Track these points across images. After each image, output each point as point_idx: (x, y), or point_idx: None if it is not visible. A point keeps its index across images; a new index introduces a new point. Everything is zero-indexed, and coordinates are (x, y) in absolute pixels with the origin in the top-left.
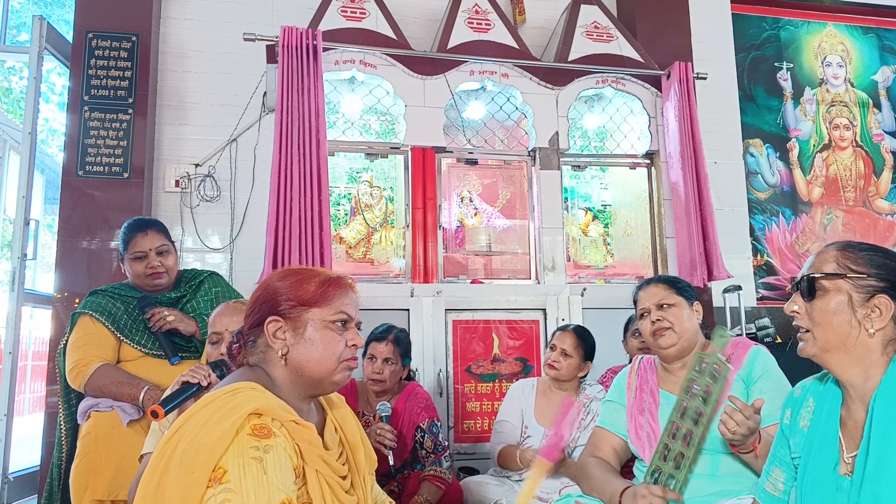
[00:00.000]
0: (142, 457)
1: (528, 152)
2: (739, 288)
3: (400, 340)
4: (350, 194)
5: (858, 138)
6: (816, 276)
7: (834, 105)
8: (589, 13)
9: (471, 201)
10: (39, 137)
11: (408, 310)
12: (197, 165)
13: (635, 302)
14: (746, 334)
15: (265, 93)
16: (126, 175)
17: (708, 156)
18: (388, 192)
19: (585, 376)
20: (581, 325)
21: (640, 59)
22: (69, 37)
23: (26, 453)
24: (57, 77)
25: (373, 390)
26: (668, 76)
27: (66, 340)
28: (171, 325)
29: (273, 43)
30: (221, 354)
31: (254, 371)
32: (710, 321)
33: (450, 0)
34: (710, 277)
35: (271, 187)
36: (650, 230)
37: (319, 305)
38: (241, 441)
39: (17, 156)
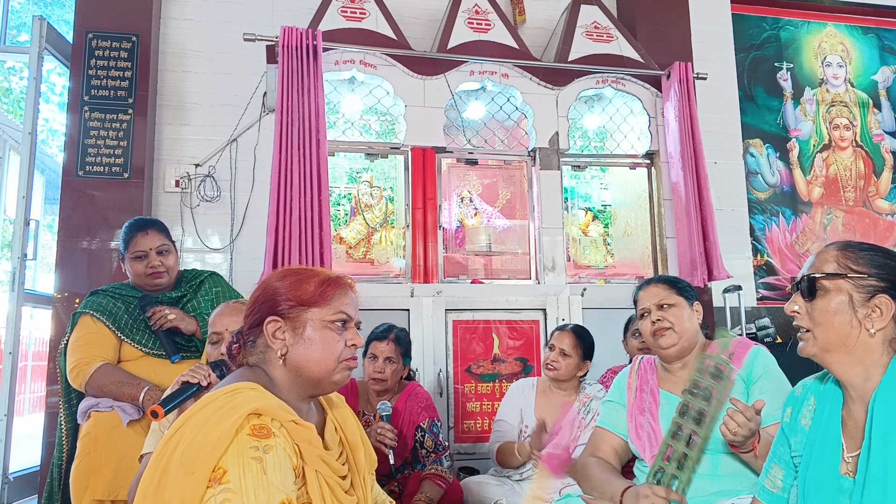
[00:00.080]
0: (142, 457)
1: (528, 152)
2: (739, 288)
3: (401, 339)
4: (350, 194)
5: (858, 138)
6: (817, 276)
7: (834, 105)
8: (589, 13)
9: (471, 201)
10: (39, 137)
11: (408, 310)
12: (197, 165)
13: (635, 302)
14: (746, 334)
15: (265, 93)
16: (126, 175)
17: (708, 156)
18: (388, 193)
19: (585, 376)
20: (579, 324)
21: (640, 59)
22: (69, 37)
23: (26, 453)
24: (57, 77)
25: (374, 389)
26: (668, 76)
27: (67, 340)
28: (172, 323)
29: (273, 43)
30: (221, 354)
31: (253, 371)
32: (710, 321)
33: (450, 0)
34: (710, 277)
35: (271, 187)
36: (650, 230)
37: (319, 305)
38: (241, 441)
39: (17, 156)
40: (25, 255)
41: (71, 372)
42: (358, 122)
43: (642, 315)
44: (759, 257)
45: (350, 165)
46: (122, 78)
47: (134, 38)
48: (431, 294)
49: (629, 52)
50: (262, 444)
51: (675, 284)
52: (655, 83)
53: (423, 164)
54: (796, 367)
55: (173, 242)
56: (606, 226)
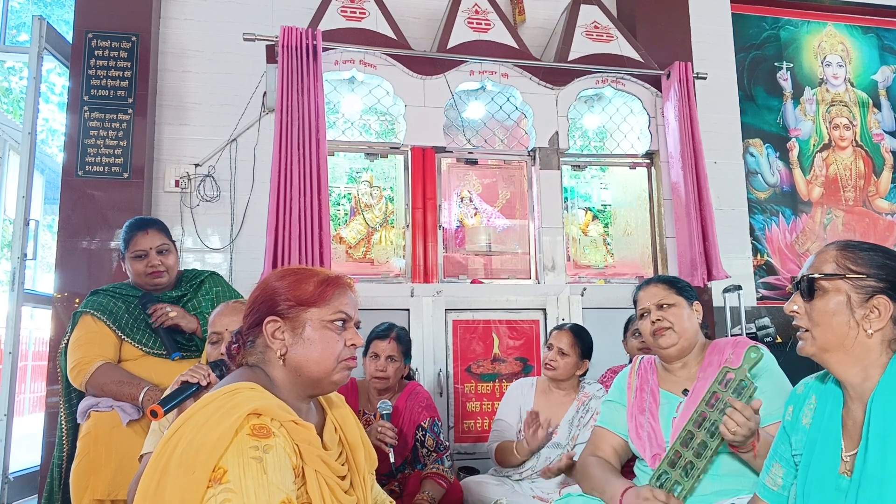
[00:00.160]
0: (141, 457)
1: (528, 152)
2: (739, 288)
3: (402, 338)
4: (350, 194)
5: (858, 138)
6: (815, 276)
7: (834, 105)
8: (589, 13)
9: (471, 201)
10: (39, 137)
11: (408, 310)
12: (197, 165)
13: (635, 302)
14: (746, 334)
15: (265, 93)
16: (126, 175)
17: (708, 156)
18: (388, 192)
19: (584, 375)
20: (578, 323)
21: (640, 59)
22: (69, 37)
23: (26, 453)
24: (57, 77)
25: (376, 388)
26: (668, 76)
27: (68, 340)
28: (173, 321)
29: (273, 43)
30: (221, 354)
31: (253, 371)
32: (710, 321)
33: (450, 0)
34: (710, 277)
35: (271, 187)
36: (650, 230)
37: (318, 305)
38: (241, 441)
39: (17, 156)
40: (25, 255)
41: (71, 371)
42: (358, 122)
43: (642, 315)
44: (759, 257)
45: (350, 165)
46: (122, 78)
47: (134, 38)
48: (431, 294)
49: (629, 51)
50: (262, 444)
51: (674, 284)
52: (655, 83)
53: (423, 163)
54: (796, 366)
55: (173, 242)
56: (606, 226)
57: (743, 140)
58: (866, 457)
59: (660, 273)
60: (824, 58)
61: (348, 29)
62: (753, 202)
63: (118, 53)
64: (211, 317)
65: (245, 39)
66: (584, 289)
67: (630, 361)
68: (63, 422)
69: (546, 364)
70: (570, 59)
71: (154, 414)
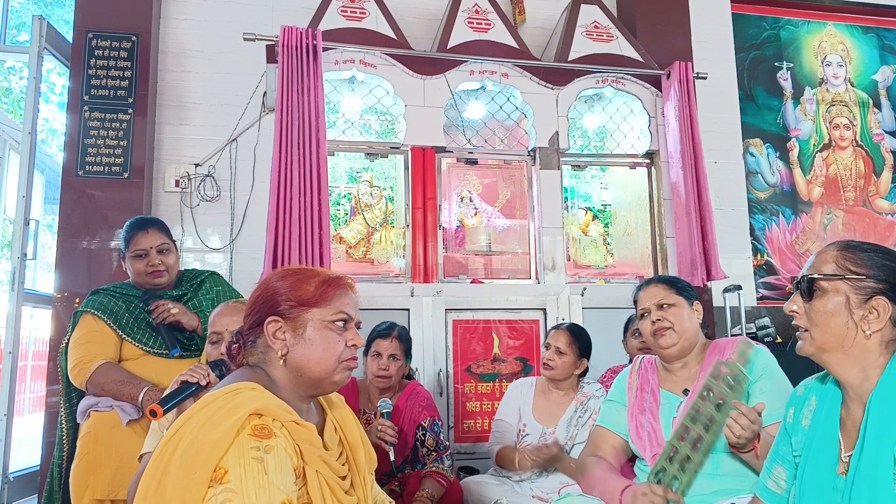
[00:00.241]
0: (141, 456)
1: (528, 152)
2: (739, 288)
3: (403, 337)
4: (350, 194)
5: (858, 138)
6: (815, 276)
7: (834, 105)
8: (589, 13)
9: (471, 201)
10: (39, 137)
11: (408, 310)
12: (197, 165)
13: (635, 302)
14: (746, 334)
15: (265, 93)
16: (126, 175)
17: (708, 156)
18: (388, 192)
19: (583, 374)
20: (575, 322)
21: (640, 59)
22: (69, 37)
23: (26, 453)
24: (57, 77)
25: (378, 387)
26: (668, 76)
27: (68, 339)
28: (174, 317)
29: (273, 43)
30: (221, 354)
31: (254, 371)
32: (710, 321)
33: (450, 0)
34: (709, 277)
35: (271, 187)
36: (650, 230)
37: (319, 306)
38: (242, 441)
39: (17, 156)
40: (25, 255)
41: (72, 370)
42: (358, 122)
43: (642, 315)
44: (759, 257)
45: (350, 165)
46: (122, 78)
47: (134, 38)
48: (431, 294)
49: (629, 51)
50: (263, 445)
51: (674, 284)
52: (655, 83)
53: (423, 163)
54: (796, 366)
55: (174, 242)
56: (606, 225)
57: (743, 140)
58: (861, 456)
59: (660, 273)
60: (824, 58)
61: (348, 29)
62: (753, 202)
63: (118, 53)
64: (211, 317)
65: (245, 39)
66: (584, 289)
67: (630, 361)
68: (63, 421)
69: (544, 363)
70: (570, 58)
71: (153, 413)
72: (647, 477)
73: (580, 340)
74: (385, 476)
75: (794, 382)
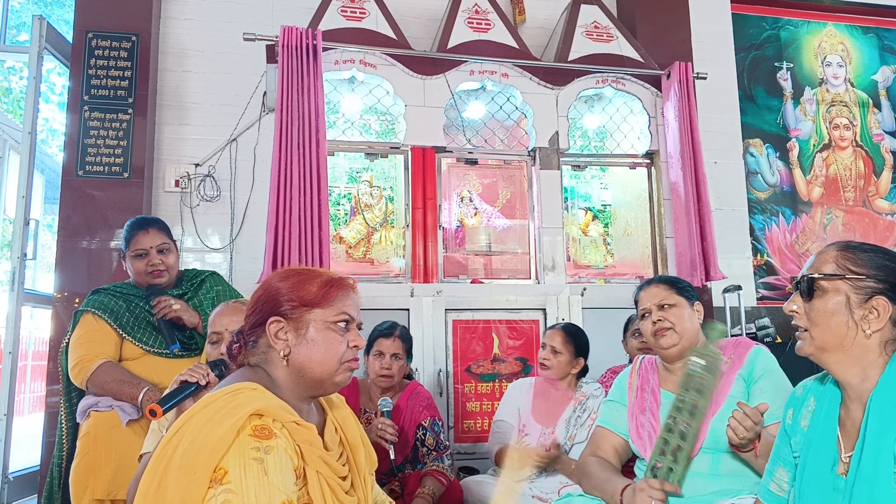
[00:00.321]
0: (141, 456)
1: (528, 152)
2: (739, 288)
3: (405, 336)
4: (350, 194)
5: (858, 138)
6: (815, 276)
7: (834, 105)
8: (589, 13)
9: (471, 201)
10: (39, 137)
11: (408, 310)
12: (197, 165)
13: (636, 302)
14: (746, 334)
15: (265, 93)
16: (126, 175)
17: (708, 156)
18: (388, 192)
19: (581, 373)
20: (571, 322)
21: (640, 59)
22: (69, 37)
23: (26, 453)
24: (57, 77)
25: (380, 386)
26: (668, 76)
27: (69, 339)
28: (175, 313)
29: (273, 43)
30: (221, 354)
31: (255, 371)
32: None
33: (450, 0)
34: (708, 278)
35: (271, 187)
36: (650, 230)
37: (321, 306)
38: (242, 442)
39: (17, 156)
40: (25, 255)
41: (73, 369)
42: (358, 122)
43: (643, 315)
44: (758, 257)
45: (350, 165)
46: (122, 78)
47: (134, 38)
48: (431, 294)
49: (629, 51)
50: (263, 445)
51: (675, 284)
52: (655, 83)
53: (423, 163)
54: (796, 367)
55: (174, 242)
56: (606, 226)
57: (743, 140)
58: (861, 456)
59: (660, 273)
60: (824, 58)
61: (348, 29)
62: (753, 202)
63: (118, 53)
64: (211, 317)
65: (245, 39)
66: (584, 289)
67: (630, 362)
68: (63, 421)
69: (540, 363)
70: (570, 59)
71: (153, 413)
72: (643, 474)
73: (576, 339)
74: (385, 476)
75: (794, 382)
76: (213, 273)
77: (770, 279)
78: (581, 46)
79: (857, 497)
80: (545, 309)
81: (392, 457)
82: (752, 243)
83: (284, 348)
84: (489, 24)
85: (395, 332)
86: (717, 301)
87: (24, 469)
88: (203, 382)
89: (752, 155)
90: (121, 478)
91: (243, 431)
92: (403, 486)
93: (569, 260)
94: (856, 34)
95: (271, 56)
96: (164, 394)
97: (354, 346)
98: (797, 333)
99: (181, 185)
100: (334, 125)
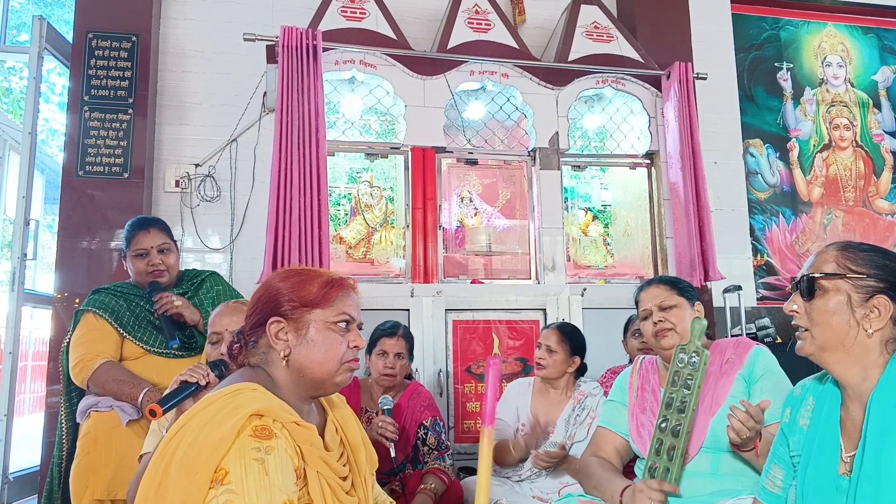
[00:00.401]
0: (141, 457)
1: (528, 152)
2: (739, 288)
3: (407, 336)
4: (350, 194)
5: (858, 138)
6: (816, 275)
7: (834, 105)
8: (589, 13)
9: (471, 201)
10: (39, 137)
11: (408, 310)
12: (197, 165)
13: (637, 303)
14: (746, 334)
15: (265, 93)
16: (126, 175)
17: (708, 156)
18: (388, 193)
19: (582, 374)
20: (567, 322)
21: (640, 60)
22: (69, 37)
23: (26, 453)
24: (57, 77)
25: (382, 385)
26: (668, 76)
27: (69, 338)
28: (177, 309)
29: (273, 43)
30: (221, 354)
31: (255, 372)
32: (711, 321)
33: (450, 0)
34: (706, 278)
35: (271, 187)
36: (650, 230)
37: (322, 307)
38: (243, 442)
39: (17, 156)
40: (25, 255)
41: (74, 368)
42: (358, 122)
43: (644, 316)
44: (759, 257)
45: (350, 165)
46: (122, 78)
47: (134, 38)
48: (431, 294)
49: (629, 52)
50: (263, 445)
51: (675, 285)
52: (655, 83)
53: (423, 164)
54: (796, 367)
55: (175, 241)
56: (606, 226)
57: (743, 140)
58: (864, 456)
59: (660, 273)
60: (824, 58)
61: (348, 29)
62: (753, 202)
63: (118, 53)
64: (211, 317)
65: (245, 39)
66: (584, 289)
67: (630, 362)
68: (63, 421)
69: (536, 362)
70: (570, 59)
71: (153, 413)
72: (641, 475)
73: (571, 338)
74: (386, 475)
75: (794, 382)
76: (214, 273)
77: (770, 279)
78: (581, 47)
79: (861, 497)
80: (545, 309)
81: (392, 454)
82: (752, 243)
83: (285, 349)
84: (489, 25)
85: (399, 332)
86: (717, 301)
87: (24, 469)
88: (203, 383)
89: (752, 155)
90: (121, 478)
91: (243, 432)
92: (404, 486)
93: (569, 260)
94: (856, 34)
95: (271, 56)
96: (164, 394)
97: (355, 347)
98: (797, 333)
99: (181, 186)
100: (334, 125)
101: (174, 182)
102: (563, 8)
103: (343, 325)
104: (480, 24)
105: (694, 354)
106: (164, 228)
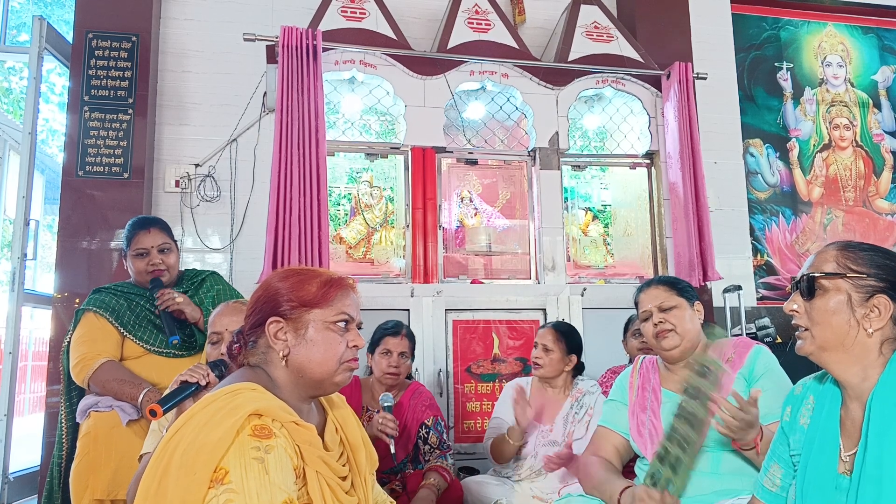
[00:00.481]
0: (141, 457)
1: (528, 152)
2: (739, 288)
3: (410, 335)
4: (350, 194)
5: (858, 138)
6: (816, 275)
7: (834, 105)
8: (589, 13)
9: (471, 201)
10: (39, 137)
11: (408, 310)
12: (197, 165)
13: (636, 304)
14: (746, 334)
15: (265, 93)
16: (126, 175)
17: (708, 156)
18: (388, 193)
19: (580, 373)
20: (563, 321)
21: (640, 60)
22: (69, 37)
23: (26, 453)
24: (57, 77)
25: (386, 384)
26: (668, 76)
27: (70, 338)
28: (178, 306)
29: (273, 43)
30: (221, 354)
31: (254, 371)
32: (710, 321)
33: (450, 0)
34: (705, 278)
35: (271, 187)
36: (650, 230)
37: (321, 306)
38: (242, 442)
39: (17, 156)
40: (25, 255)
41: (74, 367)
42: (358, 122)
43: (644, 318)
44: (759, 257)
45: (350, 165)
46: (122, 78)
47: (134, 38)
48: (431, 294)
49: (629, 52)
50: (263, 445)
51: (675, 285)
52: (655, 83)
53: (423, 163)
54: (796, 366)
55: (175, 241)
56: (606, 226)
57: (743, 140)
58: (865, 456)
59: (660, 273)
60: (824, 58)
61: (348, 29)
62: (753, 202)
63: (118, 53)
64: (211, 317)
65: (245, 39)
66: (584, 289)
67: (630, 362)
68: (63, 421)
69: (533, 362)
70: (570, 59)
71: (153, 413)
72: (643, 478)
73: (567, 337)
74: (386, 474)
75: (795, 382)
76: (214, 273)
77: (770, 279)
78: (581, 46)
79: (861, 496)
80: (545, 309)
81: (392, 451)
82: (752, 243)
83: (284, 348)
84: (489, 25)
85: (402, 331)
86: (717, 301)
87: (24, 469)
88: (203, 383)
89: (752, 155)
90: (121, 478)
91: (243, 431)
92: (405, 485)
93: (569, 260)
94: (856, 34)
95: (271, 56)
96: (164, 394)
97: (354, 346)
98: (797, 333)
99: (181, 186)
100: (334, 125)
101: (174, 182)
102: (563, 8)
103: (342, 324)
104: (480, 24)
105: (708, 367)
106: (165, 228)
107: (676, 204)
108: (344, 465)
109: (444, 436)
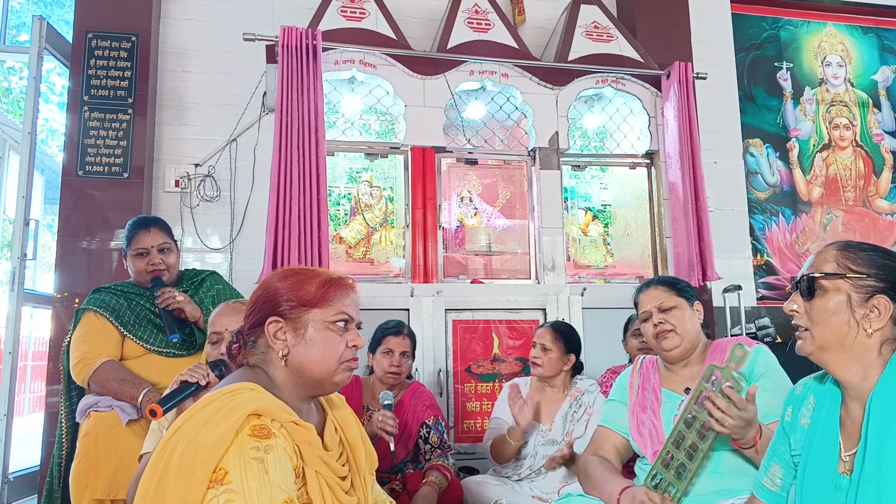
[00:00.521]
0: (141, 456)
1: (528, 152)
2: (739, 288)
3: (411, 335)
4: (350, 194)
5: (858, 138)
6: (816, 275)
7: (834, 105)
8: (589, 13)
9: (471, 201)
10: (39, 137)
11: (408, 310)
12: (197, 165)
13: (636, 304)
14: (746, 334)
15: (265, 93)
16: (126, 175)
17: (708, 156)
18: (388, 192)
19: (579, 372)
20: (561, 320)
21: (640, 59)
22: (69, 37)
23: (26, 453)
24: (57, 77)
25: (388, 383)
26: (668, 76)
27: (70, 337)
28: (179, 304)
29: (273, 43)
30: (221, 354)
31: (254, 371)
32: (710, 321)
33: (450, 0)
34: (704, 278)
35: (271, 187)
36: (650, 230)
37: (320, 306)
38: (242, 442)
39: (17, 156)
40: (25, 255)
41: (74, 367)
42: (358, 122)
43: (644, 318)
44: (758, 257)
45: (350, 165)
46: (122, 78)
47: (134, 38)
48: (431, 294)
49: (629, 51)
50: (262, 445)
51: (674, 286)
52: (655, 83)
53: (423, 163)
54: (796, 366)
55: (175, 241)
56: (606, 225)
57: (743, 140)
58: (865, 456)
59: (660, 273)
60: (824, 58)
61: (348, 29)
62: (753, 202)
63: (118, 53)
64: (211, 317)
65: (245, 39)
66: (584, 289)
67: (630, 361)
68: (63, 420)
69: (531, 362)
70: (570, 59)
71: (153, 413)
72: (644, 478)
73: (565, 336)
74: (386, 473)
75: (795, 382)
76: (213, 273)
77: (770, 279)
78: (581, 46)
79: (861, 496)
80: (545, 309)
81: (392, 448)
82: (752, 243)
83: (283, 348)
84: (489, 24)
85: (404, 331)
86: (717, 301)
87: (24, 469)
88: (203, 383)
89: (751, 155)
90: (121, 478)
91: (242, 431)
92: (405, 485)
93: (569, 260)
94: (856, 34)
95: (271, 56)
96: (164, 394)
97: (353, 346)
98: (797, 333)
99: (181, 186)
100: (334, 125)
101: (174, 182)
102: (562, 8)
103: (341, 324)
104: (480, 23)
105: (726, 382)
106: (165, 228)
107: (676, 204)
108: (343, 465)
109: (445, 435)
